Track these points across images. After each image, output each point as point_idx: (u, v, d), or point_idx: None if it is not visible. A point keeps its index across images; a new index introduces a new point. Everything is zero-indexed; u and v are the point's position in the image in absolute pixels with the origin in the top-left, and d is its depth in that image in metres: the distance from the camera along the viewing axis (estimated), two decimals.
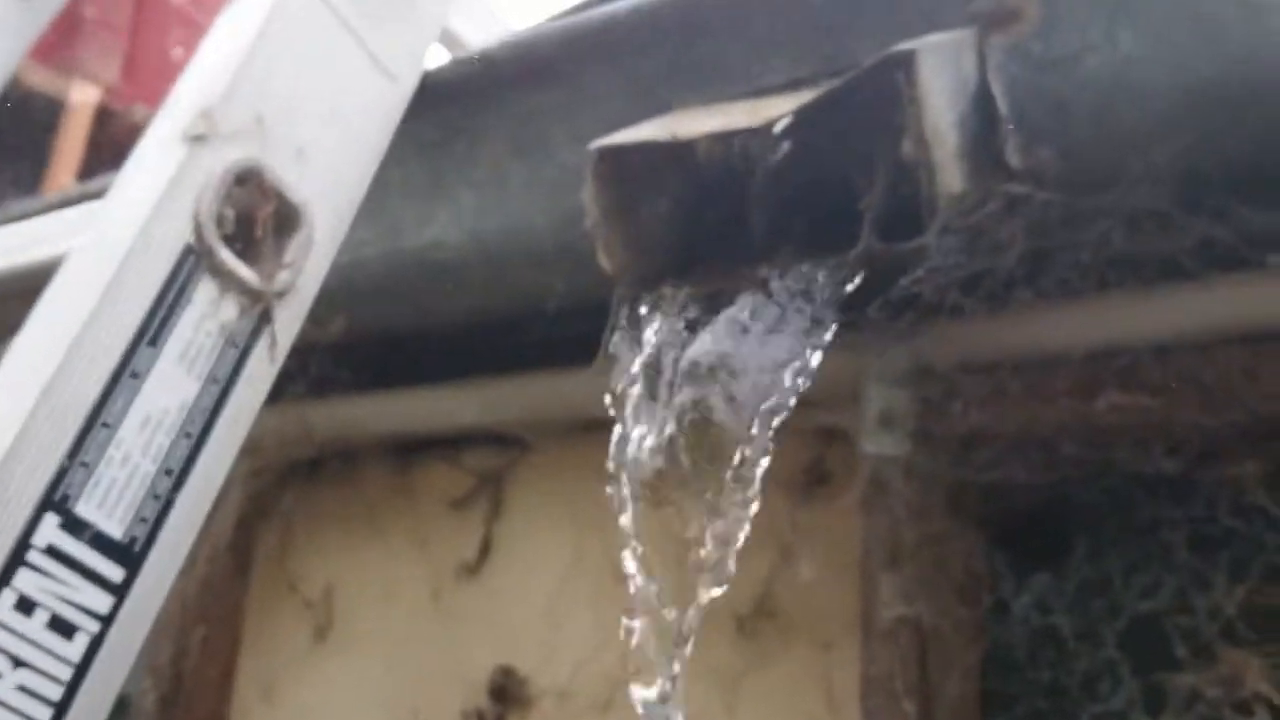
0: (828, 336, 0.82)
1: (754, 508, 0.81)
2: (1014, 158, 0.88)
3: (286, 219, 0.97)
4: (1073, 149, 0.88)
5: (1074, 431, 0.97)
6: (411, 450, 1.56)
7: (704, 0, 1.02)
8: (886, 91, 0.81)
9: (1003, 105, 0.83)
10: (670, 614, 0.91)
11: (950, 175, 0.82)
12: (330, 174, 1.02)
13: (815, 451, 1.17)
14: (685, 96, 1.04)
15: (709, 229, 0.97)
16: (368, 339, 1.39)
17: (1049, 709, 1.01)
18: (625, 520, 0.86)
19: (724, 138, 0.89)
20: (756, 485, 0.80)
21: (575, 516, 1.37)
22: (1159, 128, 0.85)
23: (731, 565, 0.82)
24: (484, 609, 1.43)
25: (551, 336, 1.21)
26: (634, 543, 0.85)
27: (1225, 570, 0.93)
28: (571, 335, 1.20)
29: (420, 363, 1.41)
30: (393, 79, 1.11)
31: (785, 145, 0.90)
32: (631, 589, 0.88)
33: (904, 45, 0.80)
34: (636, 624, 0.96)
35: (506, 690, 1.35)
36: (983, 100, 0.86)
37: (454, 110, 1.19)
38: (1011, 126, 0.84)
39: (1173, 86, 0.84)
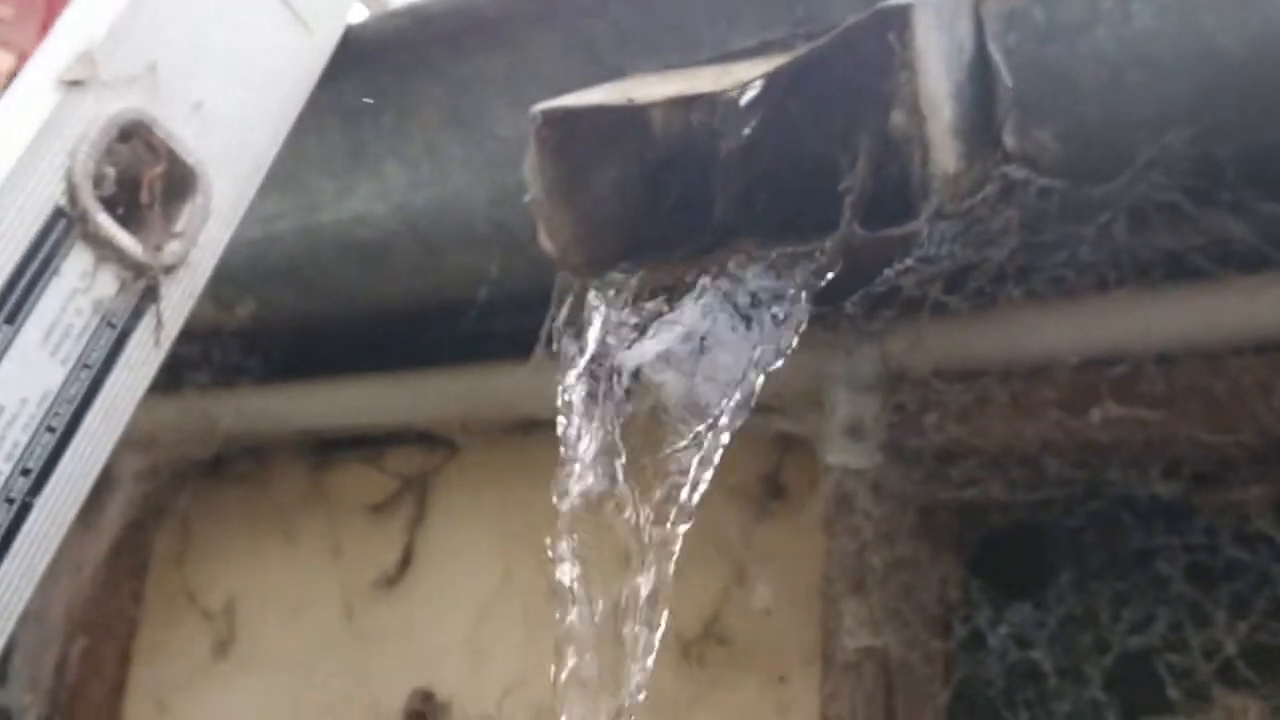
0: (797, 334, 0.71)
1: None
2: (1010, 138, 0.78)
3: (179, 182, 0.84)
4: (1075, 130, 0.79)
5: (1062, 447, 0.87)
6: (327, 449, 1.43)
7: None
8: (875, 54, 0.71)
9: (1005, 76, 0.73)
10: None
11: (944, 153, 0.71)
12: (233, 133, 0.89)
13: (772, 461, 1.06)
14: (641, 63, 0.93)
15: (666, 209, 0.86)
16: (279, 325, 1.25)
17: None
18: (563, 530, 0.74)
19: (684, 104, 0.78)
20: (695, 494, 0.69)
21: (506, 526, 1.26)
22: (1172, 109, 0.76)
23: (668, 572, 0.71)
24: (403, 626, 1.31)
25: (485, 327, 1.09)
26: (571, 558, 0.74)
27: (1226, 605, 0.85)
28: (508, 326, 1.09)
29: (338, 353, 1.29)
30: (310, 31, 0.98)
31: (754, 115, 0.79)
32: (567, 608, 0.76)
33: (896, 1, 0.69)
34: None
35: (425, 716, 1.23)
36: (979, 71, 0.76)
37: (381, 72, 1.06)
38: (1012, 100, 0.74)
39: (1190, 64, 0.75)
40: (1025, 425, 0.87)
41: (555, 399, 1.08)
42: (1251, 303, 0.78)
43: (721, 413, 0.69)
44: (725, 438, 0.69)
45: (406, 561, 1.34)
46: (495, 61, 1.00)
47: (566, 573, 0.74)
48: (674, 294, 0.78)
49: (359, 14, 1.03)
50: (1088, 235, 0.79)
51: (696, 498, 0.68)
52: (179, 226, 0.84)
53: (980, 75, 0.76)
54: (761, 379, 0.69)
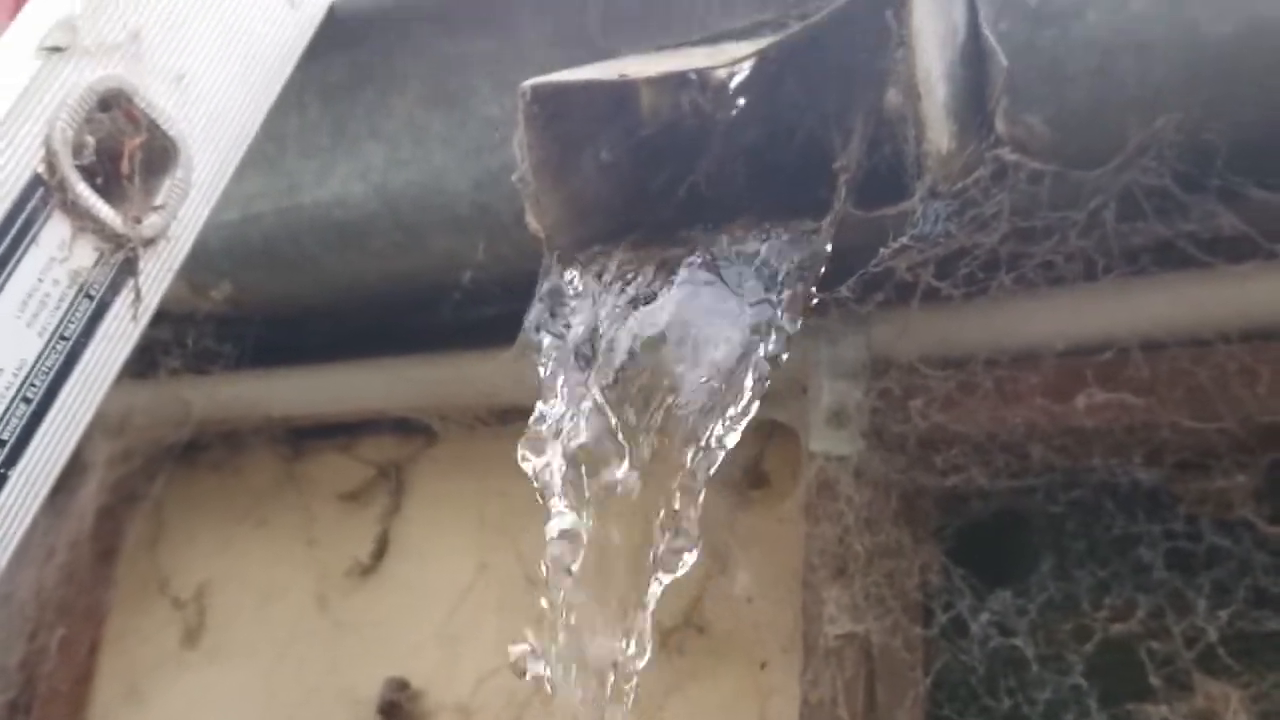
0: (796, 315, 0.70)
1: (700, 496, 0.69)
2: (1001, 122, 0.78)
3: (160, 154, 0.83)
4: (1065, 115, 0.79)
5: (1046, 434, 0.87)
6: (302, 436, 1.41)
7: None
8: (871, 32, 0.70)
9: (1002, 57, 0.73)
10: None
11: (938, 132, 0.71)
12: (216, 106, 0.88)
13: (754, 449, 1.06)
14: (632, 47, 0.92)
15: (655, 188, 0.86)
16: (256, 308, 1.24)
17: None
18: (554, 511, 0.73)
19: (675, 81, 0.77)
20: (705, 474, 0.68)
21: (484, 515, 1.24)
22: (1164, 94, 0.76)
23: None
24: (377, 615, 1.29)
25: (468, 312, 1.08)
26: (559, 541, 0.73)
27: (1207, 593, 0.85)
28: (490, 312, 1.08)
29: (316, 337, 1.27)
30: (295, 5, 0.97)
31: (746, 93, 0.78)
32: (554, 592, 0.75)
33: None
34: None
35: (399, 706, 1.21)
36: (972, 54, 0.76)
37: (364, 50, 1.05)
38: (1003, 84, 0.73)
39: (1182, 48, 0.75)
40: (1010, 412, 0.87)
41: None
42: (1239, 290, 0.78)
43: (724, 399, 0.68)
44: (732, 423, 0.68)
45: (381, 550, 1.32)
46: (483, 41, 0.99)
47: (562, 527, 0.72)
48: (664, 272, 0.77)
49: None
50: (1078, 221, 0.79)
51: (702, 484, 0.67)
52: (159, 199, 0.82)
53: (973, 58, 0.76)
54: (764, 364, 0.68)
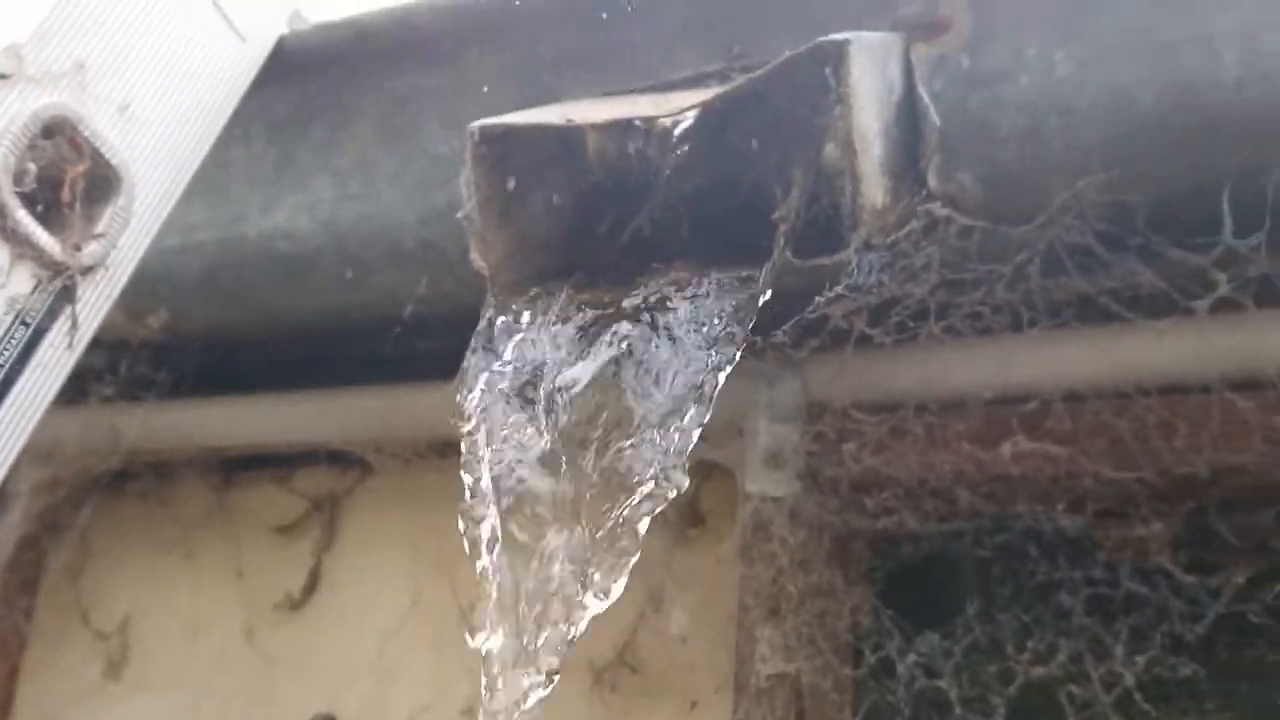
0: (734, 357, 0.72)
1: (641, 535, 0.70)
2: (933, 179, 0.81)
3: (102, 183, 0.83)
4: (995, 174, 0.82)
5: (973, 480, 0.90)
6: (234, 467, 1.40)
7: None
8: (811, 88, 0.73)
9: (935, 117, 0.75)
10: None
11: (873, 187, 0.74)
12: (160, 137, 0.88)
13: (691, 489, 1.06)
14: (580, 89, 0.94)
15: (599, 232, 0.87)
16: (192, 338, 1.23)
17: None
18: (482, 547, 0.73)
19: (620, 128, 0.79)
20: (643, 523, 0.69)
21: (418, 550, 1.24)
22: (1088, 156, 0.79)
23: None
24: (306, 649, 1.28)
25: (409, 346, 1.08)
26: (490, 576, 0.73)
27: (1125, 638, 0.87)
28: (432, 346, 1.08)
29: (252, 369, 1.26)
30: (243, 38, 0.98)
31: (688, 142, 0.80)
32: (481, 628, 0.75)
33: (834, 36, 0.71)
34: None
35: None
36: (907, 112, 0.79)
37: (314, 85, 1.06)
38: (936, 143, 0.76)
39: (1107, 113, 0.78)
40: (939, 457, 0.89)
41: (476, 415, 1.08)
42: (1158, 345, 0.81)
43: (667, 438, 0.69)
44: (679, 459, 0.69)
45: (313, 584, 1.31)
46: (432, 79, 1.01)
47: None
48: (608, 314, 0.78)
49: (296, 24, 1.02)
50: (1004, 274, 0.82)
51: (642, 529, 0.68)
52: (99, 227, 0.82)
53: (908, 116, 0.79)
54: (698, 407, 0.69)
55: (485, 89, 0.98)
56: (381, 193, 1.05)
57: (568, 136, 0.80)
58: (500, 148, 0.81)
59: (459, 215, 0.90)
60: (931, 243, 0.79)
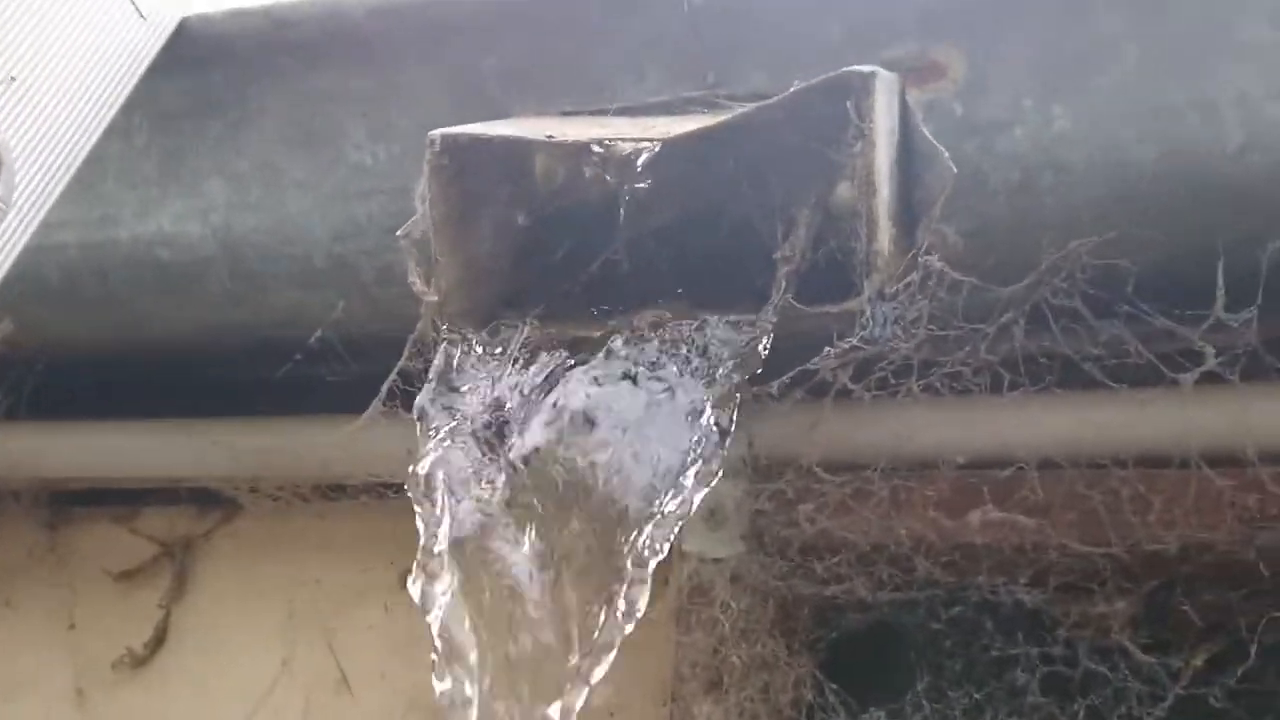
0: (730, 410, 0.65)
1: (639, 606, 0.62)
2: (919, 230, 0.76)
3: None
4: (981, 228, 0.78)
5: (934, 549, 0.85)
6: (69, 503, 1.23)
7: None
8: (827, 121, 0.67)
9: (950, 163, 0.71)
10: None
11: (884, 233, 0.68)
12: (46, 117, 0.75)
13: None
14: (529, 106, 0.86)
15: (564, 259, 0.79)
16: (38, 351, 1.07)
17: None
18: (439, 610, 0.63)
19: (603, 149, 0.71)
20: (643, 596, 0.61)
21: (293, 604, 1.11)
22: (1080, 216, 0.77)
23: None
24: (150, 715, 1.12)
25: (304, 374, 0.96)
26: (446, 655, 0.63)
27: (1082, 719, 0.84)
28: (333, 375, 0.97)
29: (106, 390, 1.11)
30: (143, 15, 0.85)
31: (664, 171, 0.73)
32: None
33: (858, 68, 0.66)
34: None
35: None
36: (904, 154, 0.74)
37: (216, 75, 0.94)
38: (946, 190, 0.72)
39: (1103, 172, 0.76)
40: (902, 523, 0.84)
41: (389, 460, 0.97)
42: (1139, 415, 0.78)
43: (657, 495, 0.61)
44: (668, 520, 0.61)
45: (159, 640, 1.16)
46: (359, 81, 0.90)
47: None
48: (580, 353, 0.70)
49: (203, 5, 0.91)
50: (988, 334, 0.78)
51: (641, 606, 0.60)
52: None
53: (905, 159, 0.74)
54: (699, 467, 0.62)
55: (422, 97, 0.89)
56: (287, 201, 0.93)
57: (540, 152, 0.72)
58: (462, 160, 0.72)
59: (399, 233, 0.80)
60: (924, 296, 0.74)
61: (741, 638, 0.88)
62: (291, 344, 0.95)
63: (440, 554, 0.64)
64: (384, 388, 0.88)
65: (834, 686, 0.88)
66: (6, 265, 0.72)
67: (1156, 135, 0.74)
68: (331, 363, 0.95)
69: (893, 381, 0.78)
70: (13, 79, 0.72)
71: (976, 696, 0.87)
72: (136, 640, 1.15)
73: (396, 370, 0.87)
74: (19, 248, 0.73)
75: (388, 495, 1.04)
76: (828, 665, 0.90)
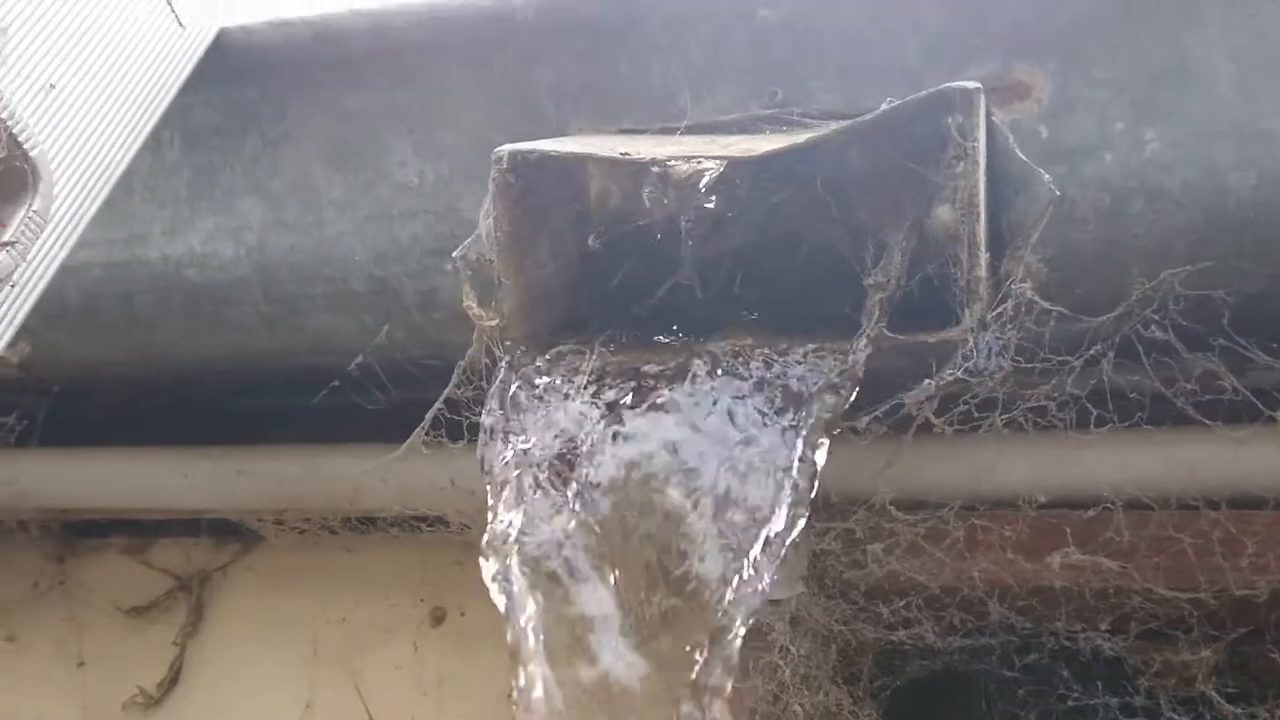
0: (820, 445, 0.61)
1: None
2: (1008, 257, 0.72)
3: (16, 177, 0.65)
4: (1066, 257, 0.74)
5: (1009, 591, 0.81)
6: (78, 534, 1.18)
7: (632, 3, 0.81)
8: (926, 140, 0.63)
9: (1051, 186, 0.67)
10: None
11: (980, 258, 0.64)
12: (85, 129, 0.71)
13: None
14: (586, 123, 0.82)
15: (612, 285, 0.75)
16: (55, 375, 1.02)
17: None
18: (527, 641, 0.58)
19: (666, 170, 0.66)
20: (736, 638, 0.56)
21: (315, 642, 1.06)
22: (1172, 245, 0.73)
23: None
24: None
25: (342, 401, 0.92)
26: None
27: None
28: (369, 402, 0.92)
29: (124, 416, 1.06)
30: (182, 25, 0.81)
31: (746, 191, 0.69)
32: None
33: (962, 83, 0.62)
34: None
35: None
36: (992, 177, 0.70)
37: (253, 90, 0.90)
38: (1043, 214, 0.68)
39: (1196, 199, 0.72)
40: (976, 564, 0.80)
41: (427, 491, 0.92)
42: (1233, 454, 0.75)
43: (750, 530, 0.57)
44: (767, 559, 0.57)
45: (174, 678, 1.10)
46: (405, 97, 0.86)
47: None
48: (657, 381, 0.66)
49: (242, 16, 0.86)
50: (1075, 367, 0.74)
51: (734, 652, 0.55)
52: (9, 233, 0.64)
53: (996, 181, 0.70)
54: (788, 509, 0.57)
55: (471, 115, 0.85)
56: (326, 221, 0.89)
57: (620, 171, 0.68)
58: (529, 178, 0.68)
59: (455, 254, 0.76)
60: (1013, 327, 0.70)
61: (803, 684, 0.83)
62: (325, 371, 0.90)
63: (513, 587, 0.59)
64: (429, 415, 0.84)
65: None
66: (44, 281, 0.68)
67: (1254, 161, 0.71)
68: (368, 390, 0.91)
69: (975, 415, 0.74)
70: (52, 86, 0.67)
71: None
72: (149, 679, 1.10)
73: (443, 398, 0.82)
74: (57, 262, 0.68)
75: (420, 528, 1.00)
76: (893, 714, 0.86)
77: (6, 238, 0.64)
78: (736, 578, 0.58)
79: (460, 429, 0.82)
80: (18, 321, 0.66)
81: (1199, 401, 0.75)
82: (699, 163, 0.67)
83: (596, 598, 0.59)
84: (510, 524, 0.61)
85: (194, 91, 0.87)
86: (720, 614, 0.56)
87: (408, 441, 0.85)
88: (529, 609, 0.58)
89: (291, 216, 0.89)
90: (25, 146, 0.65)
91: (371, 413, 0.92)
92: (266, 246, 0.90)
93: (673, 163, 0.68)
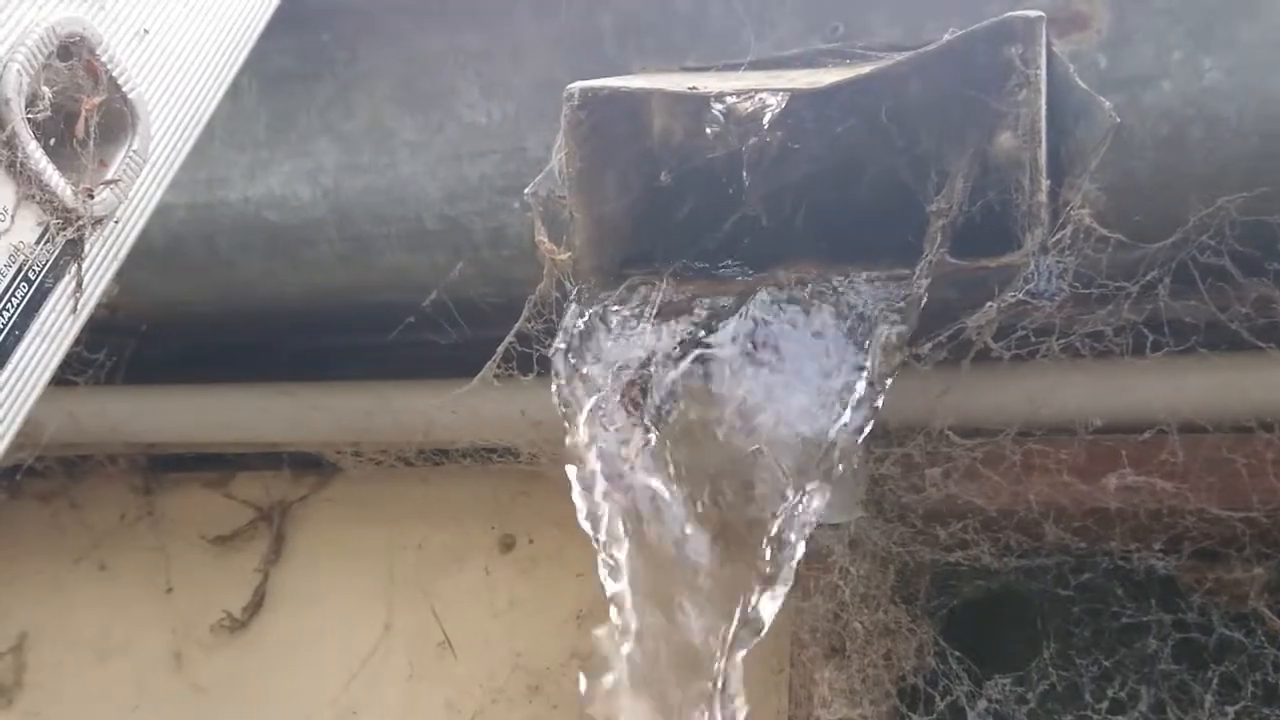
0: (889, 372, 0.63)
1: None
2: (1067, 184, 0.74)
3: (117, 119, 0.69)
4: (1124, 184, 0.76)
5: (1065, 513, 0.83)
6: (164, 467, 1.24)
7: None
8: (989, 69, 0.65)
9: (1112, 113, 0.69)
10: None
11: (1042, 184, 0.66)
12: (177, 71, 0.74)
13: None
14: (648, 61, 0.84)
15: (679, 217, 0.77)
16: (141, 314, 1.06)
17: None
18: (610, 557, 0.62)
19: (749, 101, 0.69)
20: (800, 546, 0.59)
21: (393, 569, 1.11)
22: (1229, 171, 0.74)
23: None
24: (249, 680, 1.12)
25: (413, 337, 0.95)
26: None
27: (1215, 687, 0.82)
28: (441, 338, 0.96)
29: (206, 354, 1.11)
30: None
31: (799, 125, 0.71)
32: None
33: (1023, 12, 0.64)
34: None
35: None
36: (1052, 106, 0.72)
37: (326, 35, 0.93)
38: (1104, 140, 0.70)
39: (1255, 125, 0.73)
40: (1033, 487, 0.82)
41: (499, 423, 0.96)
42: None
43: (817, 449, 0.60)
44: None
45: (258, 603, 1.16)
46: (471, 38, 0.89)
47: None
48: (717, 312, 0.68)
49: None
50: (1131, 293, 0.76)
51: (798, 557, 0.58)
52: (112, 172, 0.68)
53: (1055, 109, 0.72)
54: (861, 414, 0.60)
55: (536, 55, 0.87)
56: (399, 162, 0.92)
57: (688, 107, 0.70)
58: (601, 113, 0.70)
59: (526, 191, 0.79)
60: (1072, 253, 0.72)
61: (863, 603, 0.86)
62: (399, 307, 0.94)
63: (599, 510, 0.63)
64: (500, 347, 0.87)
65: (957, 654, 0.87)
66: (144, 220, 0.71)
67: None
68: (440, 326, 0.94)
69: (1033, 340, 0.76)
70: (146, 32, 0.71)
71: (1105, 664, 0.85)
72: (234, 604, 1.15)
73: (514, 331, 0.86)
74: (155, 201, 0.72)
75: (490, 459, 1.04)
76: (950, 632, 0.89)
77: (110, 176, 0.67)
78: (799, 495, 0.60)
79: (530, 362, 0.86)
80: (121, 257, 0.70)
81: (1254, 325, 0.76)
82: (763, 97, 0.70)
83: (671, 502, 0.62)
84: (592, 438, 0.64)
85: (270, 37, 0.90)
86: (781, 520, 0.60)
87: (480, 374, 0.89)
88: (608, 510, 0.62)
89: (365, 158, 0.92)
90: (125, 89, 0.68)
91: (442, 348, 0.96)
92: (342, 188, 0.93)
93: (737, 96, 0.71)
